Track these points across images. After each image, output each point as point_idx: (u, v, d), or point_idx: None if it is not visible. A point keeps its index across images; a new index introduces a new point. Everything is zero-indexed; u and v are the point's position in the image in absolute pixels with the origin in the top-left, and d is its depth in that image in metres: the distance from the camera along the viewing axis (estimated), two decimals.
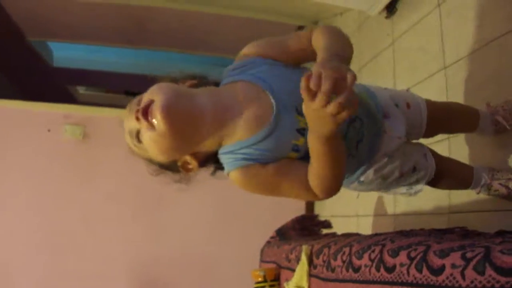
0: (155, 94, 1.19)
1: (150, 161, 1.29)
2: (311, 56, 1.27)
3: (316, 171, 1.18)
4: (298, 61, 1.34)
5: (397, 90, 1.72)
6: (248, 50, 1.36)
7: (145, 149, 1.23)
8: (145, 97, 1.20)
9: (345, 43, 1.23)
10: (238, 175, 1.25)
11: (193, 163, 1.29)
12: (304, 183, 1.22)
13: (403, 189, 1.70)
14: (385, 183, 1.60)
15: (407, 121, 1.57)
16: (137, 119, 1.17)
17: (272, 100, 1.23)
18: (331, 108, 0.92)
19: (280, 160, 1.24)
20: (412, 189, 1.69)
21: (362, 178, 1.56)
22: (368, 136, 1.43)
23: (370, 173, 1.53)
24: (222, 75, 1.35)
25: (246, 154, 1.23)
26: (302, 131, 1.22)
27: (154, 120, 1.16)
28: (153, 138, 1.18)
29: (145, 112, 1.16)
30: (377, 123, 1.47)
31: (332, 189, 1.22)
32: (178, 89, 1.24)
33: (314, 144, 1.11)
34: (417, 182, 1.65)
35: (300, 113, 1.14)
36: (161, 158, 1.26)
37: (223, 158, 1.28)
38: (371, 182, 1.58)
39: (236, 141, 1.24)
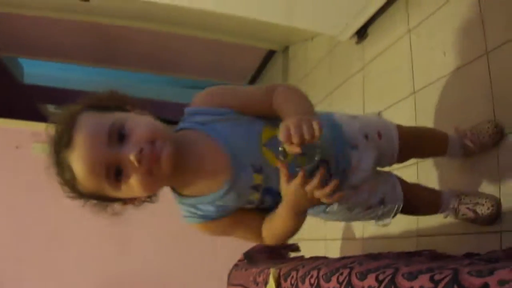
0: (158, 136, 1.16)
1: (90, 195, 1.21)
2: (272, 111, 1.28)
3: (273, 227, 1.30)
4: (259, 114, 1.33)
5: (368, 118, 1.68)
6: (212, 97, 1.33)
7: (111, 186, 1.15)
8: (141, 135, 1.14)
9: (306, 101, 1.27)
10: (199, 228, 1.34)
11: (141, 200, 1.28)
12: (256, 232, 1.34)
13: (370, 222, 1.70)
14: (351, 215, 1.58)
15: (378, 151, 1.54)
16: (139, 162, 1.10)
17: (231, 159, 1.24)
18: (309, 188, 1.05)
19: (236, 210, 1.32)
20: (380, 222, 1.69)
21: (327, 209, 1.54)
22: (335, 175, 1.36)
23: (335, 205, 1.51)
24: (183, 116, 1.33)
25: (204, 211, 1.29)
26: (257, 187, 1.28)
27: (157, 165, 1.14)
28: (147, 180, 1.14)
29: (152, 157, 1.12)
30: (342, 162, 1.43)
31: (279, 241, 1.34)
32: (173, 134, 1.26)
33: (283, 213, 1.23)
34: (384, 215, 1.63)
35: (256, 170, 1.25)
36: (142, 195, 1.22)
37: (182, 208, 1.32)
38: (337, 213, 1.56)
39: (196, 195, 1.28)
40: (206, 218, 1.30)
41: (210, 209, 1.29)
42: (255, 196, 1.30)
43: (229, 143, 1.25)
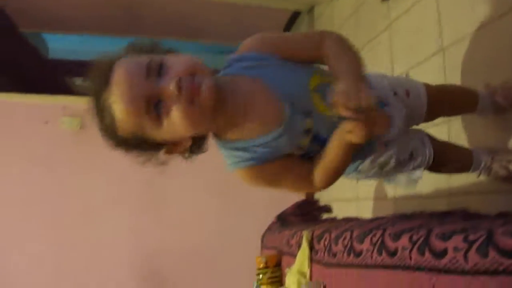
0: (198, 69, 1.15)
1: (128, 139, 1.17)
2: (319, 60, 1.31)
3: (325, 165, 1.28)
4: (305, 61, 1.33)
5: (396, 77, 1.68)
6: (258, 44, 1.31)
7: (152, 121, 1.12)
8: (180, 69, 1.13)
9: (356, 58, 1.25)
10: (245, 174, 1.28)
11: (186, 145, 1.24)
12: (306, 177, 1.30)
13: (402, 178, 1.70)
14: (383, 172, 1.59)
15: (407, 109, 1.54)
16: (179, 90, 1.08)
17: (284, 103, 1.24)
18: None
19: (285, 156, 1.29)
20: (411, 177, 1.69)
21: (359, 167, 1.55)
22: None
23: (366, 162, 1.52)
24: (225, 63, 1.32)
25: (256, 153, 1.25)
26: (308, 132, 1.27)
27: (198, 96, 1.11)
28: (189, 111, 1.11)
29: (193, 87, 1.10)
30: None
31: (331, 182, 1.33)
32: (213, 73, 1.23)
33: (336, 145, 1.23)
34: (415, 169, 1.63)
35: (307, 115, 1.25)
36: (185, 132, 1.17)
37: (230, 153, 1.29)
38: (368, 170, 1.57)
39: (249, 138, 1.25)
40: (256, 161, 1.26)
41: (261, 150, 1.25)
42: (305, 141, 1.29)
43: (281, 87, 1.25)
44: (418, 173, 1.66)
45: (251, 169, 1.27)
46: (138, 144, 1.18)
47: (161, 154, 1.23)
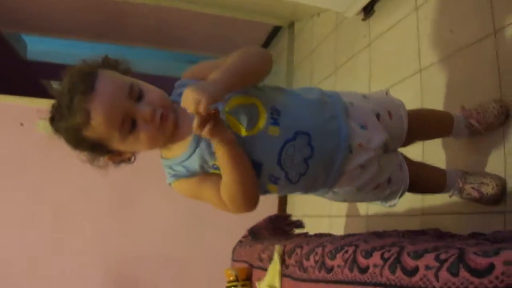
0: (167, 104, 1.35)
1: (85, 142, 1.30)
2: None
3: (223, 181, 1.36)
4: None
5: (377, 97, 1.68)
6: (193, 71, 1.46)
7: (121, 135, 1.29)
8: (155, 100, 1.32)
9: (243, 61, 1.35)
10: (174, 186, 1.45)
11: (127, 156, 1.43)
12: (220, 195, 1.38)
13: (377, 203, 1.71)
14: (360, 194, 1.59)
15: (388, 131, 1.55)
16: (152, 118, 1.29)
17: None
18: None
19: (203, 174, 1.41)
20: (386, 204, 1.70)
21: (335, 189, 1.55)
22: (321, 151, 1.42)
23: (344, 184, 1.52)
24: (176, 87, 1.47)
25: (176, 171, 1.42)
26: None
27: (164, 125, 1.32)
28: (154, 135, 1.32)
29: (165, 118, 1.31)
30: (335, 136, 1.44)
31: (236, 199, 1.37)
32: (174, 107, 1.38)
33: (218, 156, 1.32)
34: (391, 195, 1.64)
35: None
36: (143, 149, 1.38)
37: (165, 170, 1.47)
38: (346, 193, 1.58)
39: (171, 157, 1.43)
40: (177, 177, 1.42)
41: (180, 169, 1.41)
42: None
43: None
44: (393, 201, 1.68)
45: (174, 184, 1.44)
46: (93, 147, 1.32)
47: (103, 159, 1.39)
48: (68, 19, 4.87)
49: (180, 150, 1.39)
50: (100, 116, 1.23)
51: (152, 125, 1.29)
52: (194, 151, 1.37)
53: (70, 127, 1.26)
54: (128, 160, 1.45)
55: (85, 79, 1.25)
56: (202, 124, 1.15)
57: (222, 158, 1.30)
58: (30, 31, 5.43)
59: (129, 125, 1.28)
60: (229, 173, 1.32)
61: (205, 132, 1.16)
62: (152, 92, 1.34)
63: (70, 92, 1.24)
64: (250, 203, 1.40)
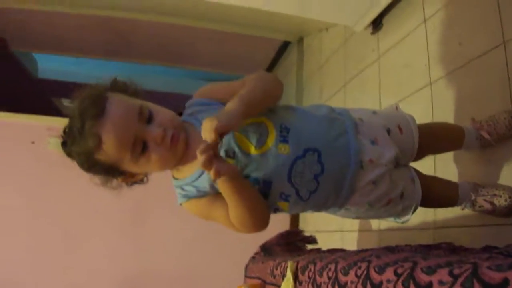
0: (177, 124, 1.36)
1: (98, 163, 1.32)
2: None
3: (229, 206, 1.36)
4: None
5: (387, 112, 1.68)
6: (204, 91, 1.49)
7: (132, 157, 1.31)
8: (165, 121, 1.34)
9: (261, 90, 1.37)
10: (185, 206, 1.46)
11: (140, 178, 1.46)
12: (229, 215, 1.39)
13: (390, 219, 1.71)
14: (373, 211, 1.58)
15: (399, 146, 1.55)
16: (163, 139, 1.31)
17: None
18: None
19: (214, 194, 1.40)
20: (400, 220, 1.69)
21: (347, 206, 1.54)
22: (331, 167, 1.41)
23: (356, 200, 1.51)
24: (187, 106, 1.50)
25: (187, 191, 1.42)
26: None
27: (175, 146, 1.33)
28: (165, 156, 1.33)
29: (176, 139, 1.33)
30: (345, 153, 1.44)
31: (245, 223, 1.38)
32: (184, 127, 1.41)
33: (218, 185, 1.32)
34: (404, 211, 1.63)
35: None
36: (155, 170, 1.41)
37: (176, 190, 1.47)
38: (358, 209, 1.56)
39: (182, 177, 1.43)
40: (188, 197, 1.42)
41: (191, 189, 1.41)
42: None
43: None
44: (406, 217, 1.67)
45: (185, 204, 1.45)
46: (106, 169, 1.35)
47: (115, 181, 1.42)
48: (78, 37, 4.92)
49: (190, 171, 1.40)
50: (111, 140, 1.26)
51: (163, 147, 1.31)
52: (203, 171, 1.36)
53: (82, 151, 1.29)
54: (141, 181, 1.48)
55: (96, 103, 1.27)
56: (208, 161, 1.15)
57: (225, 192, 1.32)
58: (41, 50, 5.48)
59: (140, 148, 1.30)
60: (234, 204, 1.34)
61: (212, 174, 1.17)
62: (162, 113, 1.36)
63: (81, 117, 1.27)
64: (260, 225, 1.41)
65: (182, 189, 1.44)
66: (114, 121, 1.26)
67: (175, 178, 1.47)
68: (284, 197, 1.43)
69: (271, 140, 1.36)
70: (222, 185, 1.29)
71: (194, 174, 1.39)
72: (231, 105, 1.23)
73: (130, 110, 1.30)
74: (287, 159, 1.37)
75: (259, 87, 1.36)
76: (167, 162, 1.37)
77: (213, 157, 1.16)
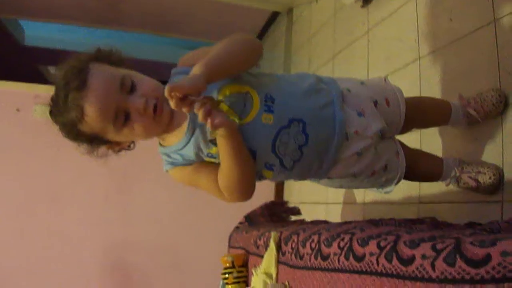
0: (160, 94, 1.30)
1: (84, 133, 1.33)
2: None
3: (220, 169, 1.39)
4: None
5: (375, 84, 1.67)
6: (186, 59, 1.47)
7: (115, 128, 1.32)
8: (147, 91, 1.33)
9: (227, 51, 1.34)
10: (171, 174, 1.49)
11: (126, 145, 1.47)
12: (216, 183, 1.41)
13: (373, 189, 1.72)
14: (356, 181, 1.59)
15: (386, 119, 1.54)
16: (145, 109, 1.30)
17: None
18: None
19: (200, 162, 1.44)
20: (382, 190, 1.71)
21: (331, 176, 1.55)
22: (316, 138, 1.42)
23: (340, 170, 1.51)
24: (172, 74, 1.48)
25: (173, 159, 1.45)
26: (214, 141, 1.37)
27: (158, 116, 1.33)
28: (149, 126, 1.34)
29: (156, 108, 1.32)
30: (330, 123, 1.44)
31: (233, 188, 1.40)
32: None
33: (217, 143, 1.34)
34: (387, 182, 1.64)
35: None
36: (140, 139, 1.42)
37: (162, 157, 1.49)
38: (342, 179, 1.58)
39: (168, 145, 1.45)
40: (174, 165, 1.45)
41: (177, 157, 1.44)
42: (214, 150, 1.39)
43: None
44: (389, 188, 1.68)
45: (171, 171, 1.47)
46: (91, 139, 1.36)
47: (102, 149, 1.43)
48: (65, 4, 4.85)
49: (176, 138, 1.41)
50: (93, 112, 1.27)
51: (146, 117, 1.31)
52: (190, 139, 1.38)
53: (66, 122, 1.30)
54: (128, 148, 1.49)
55: (78, 75, 1.27)
56: (207, 112, 1.16)
57: (223, 149, 1.32)
58: (28, 17, 5.40)
59: (123, 118, 1.31)
60: (229, 162, 1.34)
61: (210, 124, 1.16)
62: (145, 83, 1.36)
63: (64, 89, 1.27)
64: (246, 192, 1.42)
65: (168, 156, 1.45)
66: (95, 93, 1.27)
67: (161, 145, 1.48)
68: (268, 166, 1.44)
69: (256, 109, 1.36)
70: (221, 141, 1.31)
71: (180, 142, 1.40)
72: (194, 69, 1.22)
73: (111, 81, 1.30)
74: (271, 129, 1.37)
75: (226, 49, 1.34)
76: (152, 131, 1.38)
77: (211, 109, 1.16)
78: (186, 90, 1.12)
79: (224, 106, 1.34)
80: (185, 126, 1.38)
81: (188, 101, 1.14)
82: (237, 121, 1.34)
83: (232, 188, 1.39)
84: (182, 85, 1.12)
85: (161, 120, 1.35)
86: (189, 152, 1.40)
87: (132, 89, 1.32)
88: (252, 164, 1.38)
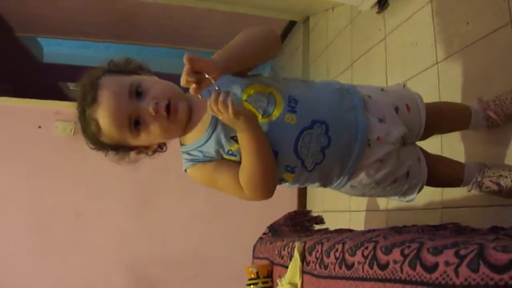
0: (173, 94, 1.37)
1: (105, 142, 1.39)
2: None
3: (242, 165, 1.38)
4: (249, 68, 1.45)
5: (396, 90, 1.67)
6: None
7: (132, 133, 1.35)
8: (157, 94, 1.34)
9: (244, 41, 1.36)
10: (189, 172, 1.48)
11: (154, 148, 1.49)
12: (236, 180, 1.40)
13: (395, 198, 1.71)
14: (378, 189, 1.58)
15: (407, 124, 1.55)
16: (156, 111, 1.31)
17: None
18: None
19: (220, 160, 1.43)
20: (404, 198, 1.70)
21: (353, 183, 1.55)
22: (338, 141, 1.42)
23: (362, 177, 1.51)
24: None
25: (193, 156, 1.45)
26: (236, 138, 1.37)
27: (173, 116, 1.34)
28: (165, 126, 1.35)
29: (169, 108, 1.33)
30: (352, 128, 1.44)
31: (255, 184, 1.38)
32: (186, 94, 1.41)
33: (238, 138, 1.34)
34: (410, 190, 1.63)
35: None
36: (160, 140, 1.46)
37: (182, 155, 1.49)
38: (364, 187, 1.57)
39: (188, 143, 1.45)
40: (194, 162, 1.45)
41: (197, 154, 1.44)
42: (234, 147, 1.39)
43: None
44: (411, 196, 1.67)
45: (190, 169, 1.46)
46: (116, 147, 1.41)
47: (132, 154, 1.47)
48: (82, 21, 4.91)
49: (198, 135, 1.42)
50: (106, 124, 1.32)
51: (161, 118, 1.33)
52: (211, 135, 1.39)
53: (89, 135, 1.38)
54: (160, 150, 1.53)
55: (89, 91, 1.32)
56: (223, 94, 1.18)
57: (245, 141, 1.32)
58: (46, 34, 5.47)
59: (138, 124, 1.34)
60: (251, 155, 1.34)
61: (230, 110, 1.18)
62: (156, 85, 1.38)
63: (80, 105, 1.35)
64: (268, 189, 1.41)
65: (189, 154, 1.46)
66: (105, 105, 1.31)
67: (182, 145, 1.49)
68: (289, 169, 1.44)
69: (279, 109, 1.37)
70: (242, 136, 1.31)
71: (201, 139, 1.41)
72: (213, 56, 1.22)
73: (119, 91, 1.33)
74: (294, 129, 1.38)
75: (243, 39, 1.35)
76: (170, 131, 1.40)
77: (232, 98, 1.18)
78: (202, 62, 1.12)
79: (247, 105, 1.35)
80: (206, 122, 1.39)
81: (200, 77, 1.15)
82: (260, 120, 1.35)
83: (254, 184, 1.39)
84: (200, 57, 1.13)
85: (176, 120, 1.36)
86: (210, 148, 1.41)
87: (142, 93, 1.35)
88: (273, 159, 1.38)
